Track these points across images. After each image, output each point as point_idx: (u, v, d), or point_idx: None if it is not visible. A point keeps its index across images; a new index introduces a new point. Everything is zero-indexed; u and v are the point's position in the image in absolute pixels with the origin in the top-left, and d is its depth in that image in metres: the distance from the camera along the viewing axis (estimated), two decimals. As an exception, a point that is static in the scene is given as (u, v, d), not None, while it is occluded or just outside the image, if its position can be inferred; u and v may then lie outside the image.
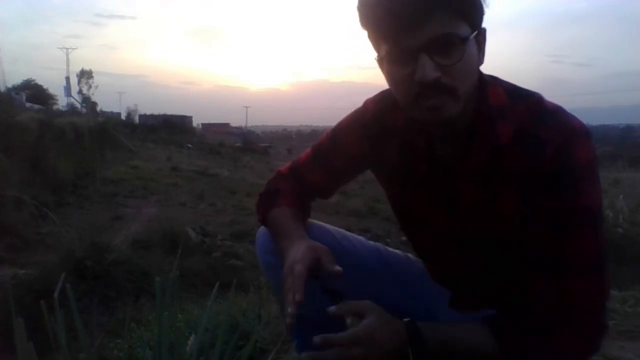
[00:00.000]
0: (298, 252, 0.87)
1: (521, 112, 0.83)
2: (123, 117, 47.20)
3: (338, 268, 0.85)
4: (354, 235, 1.16)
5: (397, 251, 1.18)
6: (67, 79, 47.61)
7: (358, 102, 1.06)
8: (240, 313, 1.83)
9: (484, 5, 0.79)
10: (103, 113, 38.12)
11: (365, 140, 1.00)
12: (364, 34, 0.83)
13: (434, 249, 1.04)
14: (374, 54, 0.84)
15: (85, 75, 47.84)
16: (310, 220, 1.11)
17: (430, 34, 0.74)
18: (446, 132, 0.86)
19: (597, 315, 0.83)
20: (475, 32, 0.78)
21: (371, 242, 1.17)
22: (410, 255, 1.18)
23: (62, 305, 0.62)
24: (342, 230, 1.15)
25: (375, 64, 0.85)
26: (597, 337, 0.84)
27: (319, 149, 1.08)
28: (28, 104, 25.81)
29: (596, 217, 0.81)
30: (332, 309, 0.82)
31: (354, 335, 0.79)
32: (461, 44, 0.75)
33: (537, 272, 0.84)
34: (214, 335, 0.74)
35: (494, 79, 0.87)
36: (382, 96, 0.99)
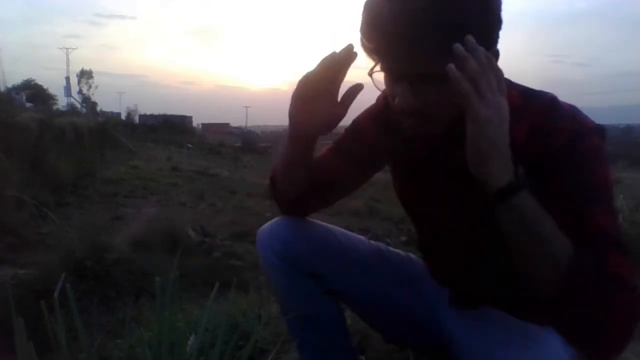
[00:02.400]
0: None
1: (535, 112, 0.83)
2: (123, 117, 47.18)
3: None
4: (354, 234, 1.16)
5: (398, 251, 1.18)
6: (67, 79, 47.68)
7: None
8: (240, 313, 1.82)
9: (495, 32, 0.75)
10: (103, 113, 38.11)
11: (377, 131, 1.01)
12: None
13: (439, 243, 1.04)
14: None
15: (85, 75, 47.91)
16: (311, 219, 1.11)
17: (415, 67, 0.73)
18: (447, 138, 0.86)
19: (635, 289, 0.78)
20: None
21: (372, 242, 1.17)
22: (411, 255, 1.18)
23: (62, 305, 0.62)
24: (343, 230, 1.15)
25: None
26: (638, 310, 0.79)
27: (338, 141, 1.08)
28: (28, 104, 25.80)
29: (608, 196, 0.80)
30: None
31: None
32: (443, 82, 0.73)
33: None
34: (214, 335, 0.74)
35: (508, 81, 0.87)
36: None
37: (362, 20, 0.78)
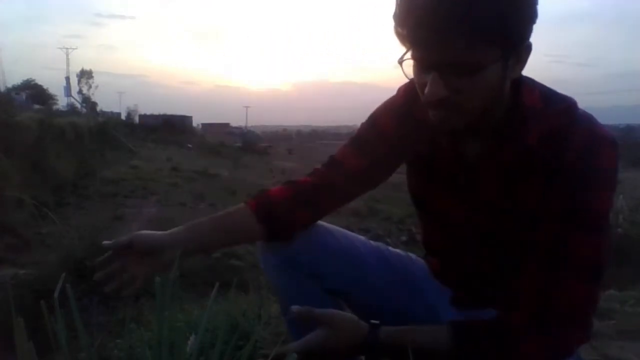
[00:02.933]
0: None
1: (553, 116, 0.83)
2: (123, 117, 47.16)
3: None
4: (354, 234, 1.16)
5: (398, 251, 1.18)
6: (67, 79, 47.57)
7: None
8: (240, 313, 1.83)
9: (529, 26, 0.75)
10: (103, 113, 38.18)
11: (398, 125, 1.00)
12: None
13: (446, 242, 1.04)
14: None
15: (85, 75, 47.85)
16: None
17: (446, 56, 0.73)
18: (468, 133, 0.87)
19: (581, 323, 0.82)
20: (507, 55, 0.75)
21: (372, 242, 1.17)
22: (411, 254, 1.18)
23: (62, 305, 0.62)
24: (343, 230, 1.15)
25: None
26: (571, 345, 0.83)
27: (357, 136, 1.05)
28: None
29: (603, 225, 0.81)
30: (294, 308, 0.88)
31: (305, 346, 0.87)
32: (475, 72, 0.74)
33: (534, 267, 0.84)
34: (214, 335, 0.74)
35: (531, 81, 0.87)
36: (412, 86, 0.99)
37: (396, 6, 0.77)
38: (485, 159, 0.89)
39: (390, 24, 0.79)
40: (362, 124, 1.06)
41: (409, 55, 0.79)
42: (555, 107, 0.84)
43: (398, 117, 0.99)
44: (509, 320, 0.84)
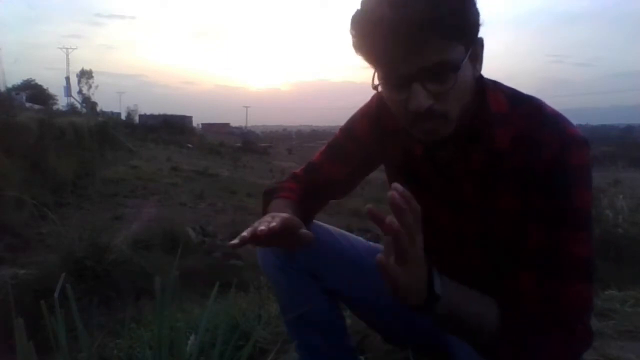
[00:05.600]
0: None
1: (521, 119, 0.83)
2: (123, 117, 47.25)
3: (308, 233, 0.83)
4: (353, 235, 1.16)
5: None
6: (67, 79, 47.68)
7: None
8: (240, 313, 1.83)
9: (479, 20, 0.76)
10: (103, 113, 38.22)
11: (373, 132, 1.00)
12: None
13: (436, 246, 1.04)
14: (369, 73, 0.83)
15: (85, 75, 47.93)
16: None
17: (423, 63, 0.73)
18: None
19: (585, 320, 0.82)
20: (470, 51, 0.76)
21: (371, 243, 1.17)
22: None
23: (62, 305, 0.62)
24: (342, 231, 1.15)
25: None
26: (584, 343, 0.83)
27: (334, 143, 1.07)
28: (28, 104, 25.78)
29: (586, 222, 0.82)
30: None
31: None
32: (454, 70, 0.74)
33: (529, 272, 0.83)
34: (214, 335, 0.74)
35: (494, 84, 0.87)
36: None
37: (357, 40, 0.77)
38: (457, 164, 0.89)
39: (355, 53, 0.79)
40: (340, 130, 1.07)
41: (380, 77, 0.78)
42: (522, 108, 0.84)
43: (372, 123, 1.00)
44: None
